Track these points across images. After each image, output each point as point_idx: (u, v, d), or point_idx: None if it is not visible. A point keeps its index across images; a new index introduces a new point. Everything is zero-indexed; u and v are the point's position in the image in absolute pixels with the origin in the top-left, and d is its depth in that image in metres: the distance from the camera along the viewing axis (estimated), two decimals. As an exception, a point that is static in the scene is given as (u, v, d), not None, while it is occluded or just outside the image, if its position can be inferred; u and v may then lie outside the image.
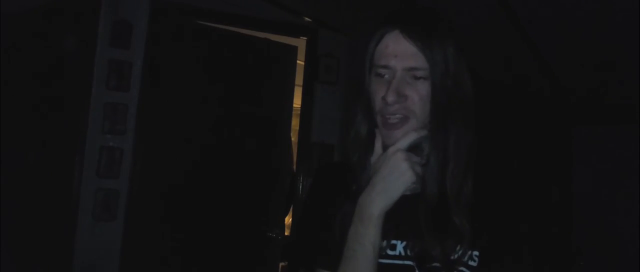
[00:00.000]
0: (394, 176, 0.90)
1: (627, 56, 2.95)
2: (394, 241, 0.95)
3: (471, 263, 0.91)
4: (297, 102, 3.12)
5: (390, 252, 0.94)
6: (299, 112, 3.12)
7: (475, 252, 0.91)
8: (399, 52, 0.92)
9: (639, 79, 3.23)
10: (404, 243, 0.94)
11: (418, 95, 0.92)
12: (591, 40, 2.90)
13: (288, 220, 3.41)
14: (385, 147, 0.96)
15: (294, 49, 3.05)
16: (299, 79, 3.09)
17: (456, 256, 0.90)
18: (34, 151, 2.70)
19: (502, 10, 2.58)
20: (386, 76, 0.94)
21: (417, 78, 0.92)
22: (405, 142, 0.92)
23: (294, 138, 3.23)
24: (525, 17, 2.66)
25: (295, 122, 3.21)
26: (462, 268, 0.90)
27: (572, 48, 3.08)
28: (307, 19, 2.99)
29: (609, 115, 4.37)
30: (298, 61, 3.09)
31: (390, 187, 0.90)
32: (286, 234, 3.14)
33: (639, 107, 3.90)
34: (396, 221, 0.94)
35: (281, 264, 3.02)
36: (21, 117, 2.79)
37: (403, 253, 0.94)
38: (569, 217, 4.32)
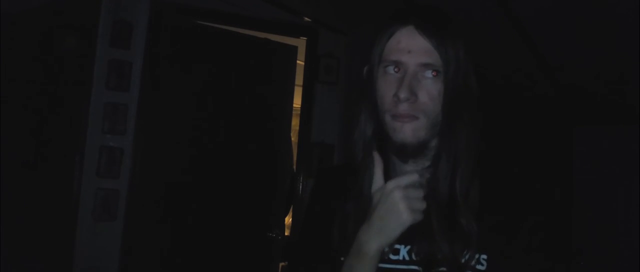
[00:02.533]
0: (391, 217, 0.87)
1: (627, 56, 2.95)
2: (397, 246, 0.92)
3: (479, 267, 0.88)
4: (297, 102, 3.12)
5: (393, 257, 0.92)
6: (299, 112, 3.12)
7: (484, 256, 0.89)
8: (413, 47, 0.90)
9: (639, 79, 3.22)
10: (408, 247, 0.92)
11: (428, 95, 0.89)
12: (591, 41, 2.90)
13: (288, 220, 3.41)
14: (390, 148, 0.94)
15: (294, 49, 3.05)
16: (299, 79, 3.09)
17: (464, 259, 0.88)
18: (34, 150, 2.70)
19: (502, 10, 2.58)
20: (397, 73, 0.91)
21: (429, 76, 0.90)
22: (404, 180, 0.88)
23: (294, 138, 3.23)
24: (525, 17, 2.66)
25: (295, 122, 3.21)
26: None
27: (572, 48, 3.08)
28: (307, 19, 2.99)
29: (609, 115, 4.37)
30: (298, 61, 3.09)
31: (387, 228, 0.87)
32: (286, 234, 3.14)
33: (639, 107, 3.90)
34: None
35: (281, 264, 3.02)
36: (21, 117, 2.79)
37: (407, 258, 0.92)
38: (569, 217, 4.32)
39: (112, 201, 2.51)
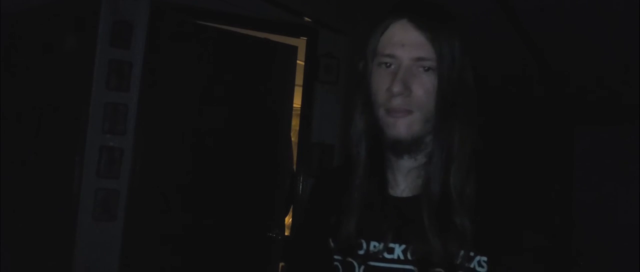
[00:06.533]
0: None
1: (628, 56, 2.95)
2: (392, 245, 0.91)
3: (479, 269, 0.86)
4: (297, 102, 3.12)
5: (388, 256, 0.91)
6: (299, 112, 3.12)
7: (484, 258, 0.87)
8: (406, 41, 0.89)
9: (639, 79, 3.23)
10: (403, 247, 0.90)
11: (423, 89, 0.88)
12: (592, 41, 2.90)
13: (288, 220, 3.41)
14: (385, 143, 0.93)
15: (294, 49, 3.05)
16: (299, 79, 3.09)
17: (460, 260, 0.86)
18: (34, 150, 2.70)
19: (502, 10, 2.58)
20: (391, 67, 0.90)
21: (423, 70, 0.89)
22: None
23: (294, 138, 3.23)
24: (525, 17, 2.67)
25: (295, 122, 3.21)
26: None
27: (573, 49, 3.08)
28: (307, 19, 2.99)
29: (609, 115, 4.37)
30: (298, 61, 3.09)
31: None
32: (286, 234, 3.14)
33: (638, 107, 3.91)
34: (395, 223, 0.91)
35: (281, 264, 3.02)
36: (21, 117, 2.79)
37: (402, 257, 0.90)
38: (569, 218, 4.32)
39: (112, 201, 2.51)
